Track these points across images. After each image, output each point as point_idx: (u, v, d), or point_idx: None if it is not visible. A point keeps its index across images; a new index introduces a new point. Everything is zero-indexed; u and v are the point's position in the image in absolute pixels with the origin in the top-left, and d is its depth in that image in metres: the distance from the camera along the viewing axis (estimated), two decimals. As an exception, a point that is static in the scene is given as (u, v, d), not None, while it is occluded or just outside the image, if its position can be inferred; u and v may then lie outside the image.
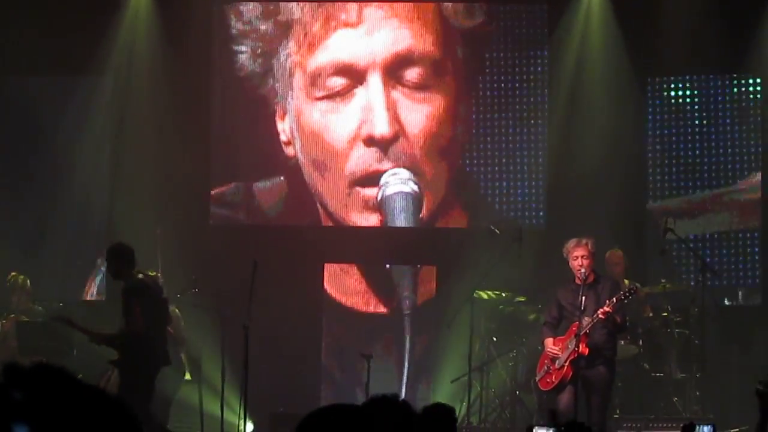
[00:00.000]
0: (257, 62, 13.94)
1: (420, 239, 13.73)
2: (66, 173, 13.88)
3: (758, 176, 13.52)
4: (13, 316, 12.31)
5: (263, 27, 13.97)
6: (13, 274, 12.58)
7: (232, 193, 14.00)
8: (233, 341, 10.94)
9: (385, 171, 13.61)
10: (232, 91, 14.03)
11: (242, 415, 11.32)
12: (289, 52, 13.87)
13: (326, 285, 13.87)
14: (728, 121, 13.66)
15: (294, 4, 13.95)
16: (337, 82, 13.77)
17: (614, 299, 10.19)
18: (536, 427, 7.55)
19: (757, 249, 13.51)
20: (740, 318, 13.20)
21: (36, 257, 13.47)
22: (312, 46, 13.83)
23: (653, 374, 12.42)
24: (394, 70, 13.71)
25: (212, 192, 14.01)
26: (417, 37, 13.80)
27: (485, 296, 12.42)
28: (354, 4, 13.88)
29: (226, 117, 14.11)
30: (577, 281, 10.44)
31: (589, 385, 10.36)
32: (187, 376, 12.08)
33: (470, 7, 13.86)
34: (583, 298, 10.30)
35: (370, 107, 13.67)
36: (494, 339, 12.57)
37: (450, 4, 13.86)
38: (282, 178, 13.92)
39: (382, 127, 13.64)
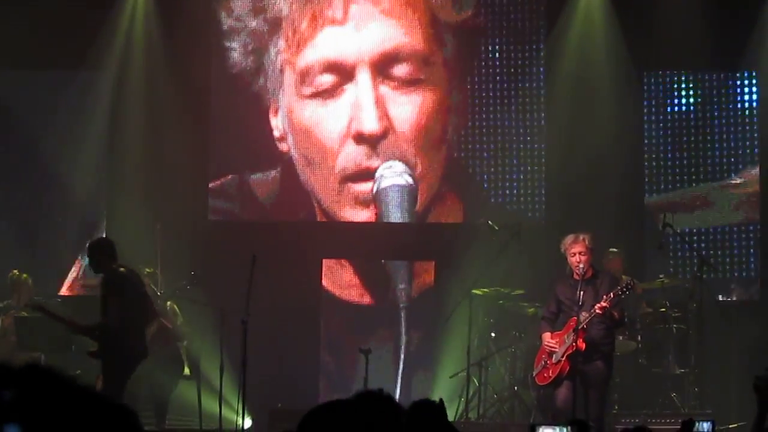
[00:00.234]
0: (249, 59, 13.93)
1: (418, 235, 13.72)
2: (64, 169, 13.85)
3: (756, 170, 13.52)
4: (13, 312, 12.30)
5: (253, 23, 13.95)
6: (14, 271, 12.56)
7: (229, 184, 14.00)
8: (231, 336, 10.92)
9: (375, 167, 13.61)
10: (228, 87, 14.02)
11: (240, 411, 11.32)
12: (279, 49, 13.85)
13: (323, 279, 13.87)
14: (725, 114, 13.66)
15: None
16: (327, 79, 13.75)
17: (611, 294, 10.18)
18: (542, 426, 7.52)
19: (753, 242, 13.51)
20: (738, 313, 13.19)
21: (35, 254, 13.46)
22: (301, 44, 13.81)
23: (652, 369, 12.43)
24: (382, 67, 13.68)
25: (210, 185, 14.01)
26: (404, 33, 13.75)
27: (480, 293, 12.39)
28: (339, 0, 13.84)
29: (223, 112, 14.09)
30: (576, 276, 10.43)
31: (586, 380, 10.34)
32: (186, 371, 12.07)
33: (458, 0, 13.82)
34: (582, 293, 10.27)
35: (359, 104, 13.66)
36: (492, 335, 12.57)
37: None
38: (277, 170, 13.91)
39: (371, 124, 13.63)
